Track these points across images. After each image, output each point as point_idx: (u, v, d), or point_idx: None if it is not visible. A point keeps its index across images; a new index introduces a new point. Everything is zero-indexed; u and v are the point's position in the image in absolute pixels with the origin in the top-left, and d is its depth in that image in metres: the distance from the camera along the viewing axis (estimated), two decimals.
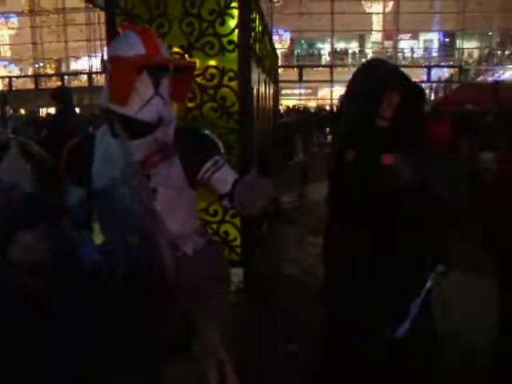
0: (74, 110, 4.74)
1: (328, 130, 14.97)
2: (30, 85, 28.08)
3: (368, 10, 27.13)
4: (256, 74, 4.28)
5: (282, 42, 26.88)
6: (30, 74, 29.21)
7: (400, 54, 27.09)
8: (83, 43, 27.59)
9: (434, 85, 25.40)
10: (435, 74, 26.31)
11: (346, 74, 28.08)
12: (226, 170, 1.72)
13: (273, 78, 6.95)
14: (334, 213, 2.12)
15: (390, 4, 26.70)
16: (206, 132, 1.80)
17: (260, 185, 1.55)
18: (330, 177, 2.14)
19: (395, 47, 26.83)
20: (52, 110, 19.51)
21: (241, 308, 3.87)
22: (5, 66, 30.04)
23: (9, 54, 30.02)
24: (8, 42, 29.65)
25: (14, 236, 1.21)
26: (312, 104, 27.24)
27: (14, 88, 27.54)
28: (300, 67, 26.40)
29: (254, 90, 4.16)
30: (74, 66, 29.66)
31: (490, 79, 24.89)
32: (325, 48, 27.90)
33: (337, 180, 2.06)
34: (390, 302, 1.91)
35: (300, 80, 26.18)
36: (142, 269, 1.51)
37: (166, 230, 1.57)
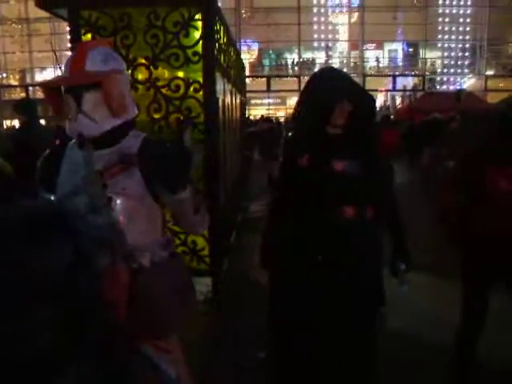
0: (39, 122, 4.68)
1: None
2: None
3: (334, 21, 27.65)
4: (221, 85, 4.32)
5: (250, 52, 27.11)
6: None
7: (366, 64, 27.69)
8: (48, 54, 27.12)
9: (406, 93, 26.06)
10: (400, 82, 26.99)
11: None
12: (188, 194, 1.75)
13: (239, 89, 7.01)
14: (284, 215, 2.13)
15: (355, 15, 27.30)
16: (174, 152, 1.77)
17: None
18: (282, 180, 2.15)
19: (361, 57, 27.40)
20: (16, 123, 19.10)
21: (209, 317, 3.88)
22: None
23: None
24: None
25: None
26: (281, 113, 27.52)
27: None
28: (268, 77, 26.64)
29: (220, 101, 4.20)
30: (39, 76, 29.09)
31: (452, 88, 25.72)
32: (292, 58, 28.26)
33: (290, 184, 2.07)
34: (351, 299, 1.95)
35: (268, 90, 26.41)
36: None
37: (123, 238, 1.60)
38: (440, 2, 27.03)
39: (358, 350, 2.01)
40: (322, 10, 27.47)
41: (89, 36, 3.68)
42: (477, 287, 2.56)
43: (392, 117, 19.59)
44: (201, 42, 3.71)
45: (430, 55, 27.96)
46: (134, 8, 3.69)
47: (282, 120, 20.48)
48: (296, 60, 27.64)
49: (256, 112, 24.98)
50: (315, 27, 27.59)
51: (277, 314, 2.13)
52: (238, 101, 6.55)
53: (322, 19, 27.60)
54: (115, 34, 3.68)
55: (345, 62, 26.98)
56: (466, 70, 27.67)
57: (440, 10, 27.18)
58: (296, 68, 27.66)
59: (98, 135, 1.65)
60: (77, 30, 3.70)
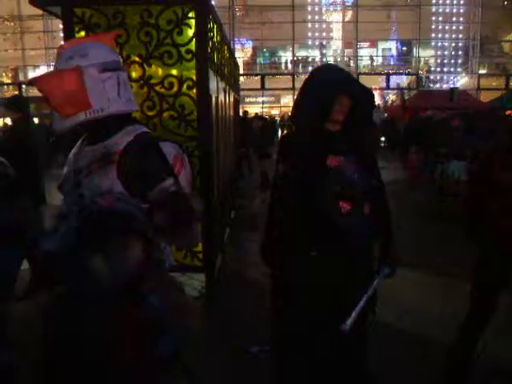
0: (32, 120, 4.68)
1: None
2: None
3: (328, 20, 27.70)
4: (214, 83, 4.35)
5: (244, 50, 27.11)
6: None
7: (360, 62, 27.76)
8: (41, 51, 26.98)
9: (399, 91, 26.17)
10: (394, 81, 27.10)
11: None
12: None
13: (233, 87, 7.03)
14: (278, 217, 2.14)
15: (349, 13, 27.36)
16: (159, 153, 1.70)
17: None
18: (278, 178, 2.16)
19: (355, 55, 27.46)
20: (7, 121, 18.98)
21: (203, 312, 3.92)
22: None
23: None
24: None
25: None
26: (275, 112, 27.55)
27: None
28: (262, 75, 26.66)
29: (213, 98, 4.23)
30: (32, 74, 28.94)
31: (445, 86, 25.85)
32: (286, 56, 28.29)
33: (285, 182, 2.09)
34: (336, 301, 1.95)
35: (262, 88, 26.42)
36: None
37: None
38: (433, 0, 27.16)
39: (346, 349, 2.02)
40: (316, 9, 27.51)
41: (82, 33, 3.70)
42: (491, 284, 2.61)
43: (386, 115, 19.71)
44: (194, 39, 3.74)
45: (424, 54, 28.08)
46: (128, 6, 3.71)
47: (276, 118, 20.56)
48: (290, 58, 27.67)
49: (250, 110, 24.99)
50: (309, 25, 27.62)
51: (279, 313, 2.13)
52: (231, 99, 6.57)
53: (316, 17, 27.64)
54: (109, 31, 3.70)
55: (339, 60, 27.03)
56: (459, 69, 27.82)
57: (433, 9, 27.30)
58: (290, 66, 27.69)
59: (65, 130, 1.72)
60: (70, 27, 3.72)
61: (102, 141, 1.69)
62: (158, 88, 3.80)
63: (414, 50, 27.79)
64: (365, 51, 28.36)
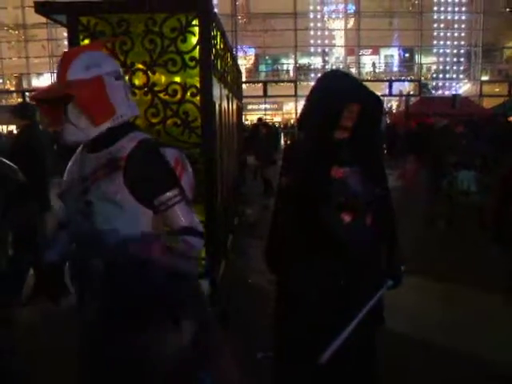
0: (38, 126, 4.70)
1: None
2: None
3: (330, 27, 27.83)
4: (218, 90, 4.37)
5: (246, 58, 27.25)
6: None
7: (362, 69, 27.86)
8: (45, 59, 27.18)
9: (402, 98, 26.22)
10: (396, 88, 27.18)
11: (310, 88, 28.49)
12: (175, 211, 1.69)
13: (236, 94, 7.07)
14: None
15: (351, 21, 27.50)
16: (162, 157, 1.71)
17: None
18: (281, 186, 2.15)
19: (357, 62, 27.57)
20: (13, 128, 19.08)
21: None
22: None
23: None
24: None
25: None
26: (278, 119, 27.64)
27: None
28: (264, 83, 26.76)
29: (217, 106, 4.25)
30: (36, 82, 29.11)
31: (447, 93, 25.90)
32: (289, 64, 28.41)
33: (285, 195, 2.09)
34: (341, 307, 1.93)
35: (265, 95, 26.53)
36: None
37: (101, 242, 1.65)
38: (435, 8, 27.27)
39: (357, 360, 2.00)
40: (319, 16, 27.68)
41: (87, 42, 3.73)
42: None
43: (388, 121, 19.73)
44: (198, 47, 3.76)
45: (426, 60, 28.18)
46: (132, 14, 3.74)
47: (277, 125, 20.59)
48: (292, 65, 27.78)
49: (252, 117, 25.06)
50: (311, 33, 27.78)
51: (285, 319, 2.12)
52: (234, 106, 6.60)
53: (319, 25, 27.80)
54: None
55: (341, 67, 27.13)
56: (461, 76, 27.88)
57: (435, 16, 27.43)
58: (292, 73, 27.80)
59: (86, 140, 1.71)
60: (75, 35, 3.75)
61: (106, 147, 1.70)
62: (161, 95, 3.82)
63: (416, 56, 27.89)
64: (367, 58, 28.49)
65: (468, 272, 4.60)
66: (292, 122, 25.66)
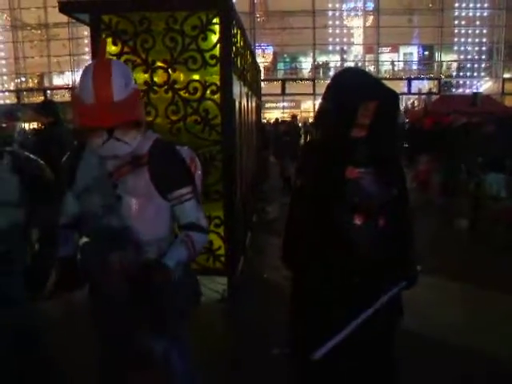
0: (62, 123, 4.79)
1: None
2: (12, 100, 27.90)
3: (349, 25, 27.64)
4: (238, 87, 4.40)
5: (264, 56, 27.22)
6: (11, 88, 29.04)
7: (381, 67, 27.61)
8: (66, 58, 27.56)
9: (421, 97, 25.91)
10: (415, 86, 26.86)
11: None
12: (185, 207, 1.82)
13: (255, 92, 7.09)
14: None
15: (370, 18, 27.26)
16: (179, 155, 1.86)
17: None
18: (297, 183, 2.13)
19: (376, 60, 27.33)
20: (35, 125, 19.40)
21: (225, 315, 3.95)
22: None
23: None
24: None
25: None
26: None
27: None
28: (283, 81, 26.71)
29: (236, 103, 4.27)
30: (57, 80, 29.54)
31: (468, 91, 25.51)
32: (307, 62, 28.30)
33: (300, 194, 2.07)
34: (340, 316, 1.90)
35: (283, 93, 26.47)
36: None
37: (132, 234, 1.75)
38: (456, 4, 26.86)
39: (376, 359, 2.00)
40: (337, 14, 27.49)
41: (110, 40, 3.78)
42: None
43: (406, 120, 19.53)
44: (218, 45, 3.79)
45: (446, 58, 27.77)
46: (154, 12, 3.78)
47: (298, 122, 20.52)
48: (311, 63, 27.68)
49: (271, 115, 25.04)
50: (330, 31, 27.61)
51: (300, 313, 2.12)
52: (253, 104, 6.62)
53: (337, 23, 27.61)
54: (135, 38, 3.79)
55: (360, 65, 26.90)
56: (483, 73, 27.43)
57: (456, 13, 27.01)
58: (310, 71, 27.69)
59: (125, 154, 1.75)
60: (98, 34, 3.81)
61: None
62: (182, 93, 3.86)
63: (436, 54, 27.51)
64: (386, 56, 28.20)
65: (486, 273, 4.56)
66: (310, 120, 25.58)
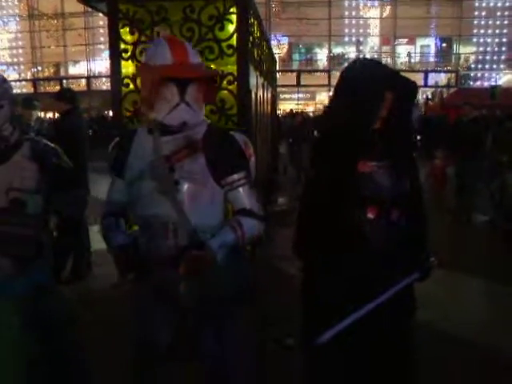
0: (80, 111, 4.83)
1: None
2: (29, 89, 28.19)
3: (365, 16, 27.34)
4: (254, 78, 4.38)
5: (280, 46, 27.08)
6: (28, 78, 29.33)
7: (397, 59, 27.30)
8: (82, 47, 27.74)
9: (437, 90, 25.56)
10: (432, 79, 26.52)
11: None
12: (238, 192, 1.79)
13: (271, 83, 7.05)
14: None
15: (387, 9, 26.93)
16: (235, 139, 1.84)
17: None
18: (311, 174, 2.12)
19: (392, 52, 27.03)
20: (50, 114, 19.60)
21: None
22: (3, 71, 30.12)
23: (6, 58, 30.10)
24: (6, 46, 29.76)
25: None
26: (310, 108, 27.44)
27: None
28: (298, 72, 26.57)
29: (253, 94, 4.26)
30: (73, 70, 29.76)
31: (486, 84, 25.12)
32: (322, 53, 28.09)
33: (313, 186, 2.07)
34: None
35: (298, 84, 26.34)
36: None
37: (187, 220, 1.72)
38: None
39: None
40: (354, 4, 27.22)
41: (126, 29, 3.79)
42: None
43: (422, 113, 19.28)
44: (235, 35, 3.77)
45: (464, 50, 27.35)
46: (171, 2, 3.77)
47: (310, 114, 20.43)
48: (326, 55, 27.47)
49: (285, 106, 24.96)
50: (346, 22, 27.35)
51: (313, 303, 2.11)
52: (269, 94, 6.60)
53: (353, 13, 27.34)
54: (152, 27, 3.78)
55: (376, 57, 26.65)
56: (502, 66, 26.95)
57: (476, 4, 26.53)
58: (326, 63, 27.49)
59: (194, 125, 1.75)
60: (115, 23, 3.81)
61: (180, 131, 1.74)
62: None
63: (454, 46, 27.10)
64: (402, 48, 27.86)
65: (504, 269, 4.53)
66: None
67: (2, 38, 29.51)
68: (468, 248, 5.42)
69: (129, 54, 3.73)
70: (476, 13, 26.65)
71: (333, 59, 27.38)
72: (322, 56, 28.21)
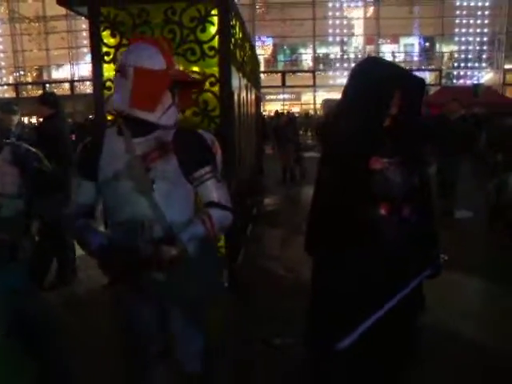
0: (64, 116, 4.78)
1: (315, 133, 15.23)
2: (11, 94, 27.86)
3: (349, 16, 27.50)
4: (237, 79, 4.38)
5: (264, 48, 27.12)
6: (10, 82, 28.98)
7: None
8: (65, 51, 27.48)
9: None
10: None
11: (329, 78, 28.51)
12: (206, 186, 1.84)
13: (255, 84, 7.07)
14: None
15: (371, 9, 27.13)
16: (203, 137, 1.90)
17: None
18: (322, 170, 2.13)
19: (376, 51, 27.22)
20: (33, 119, 19.38)
21: (226, 306, 3.96)
22: None
23: None
24: None
25: None
26: (296, 109, 27.52)
27: None
28: (283, 73, 26.63)
29: (235, 95, 4.26)
30: (56, 74, 29.47)
31: (469, 82, 25.41)
32: (307, 53, 28.19)
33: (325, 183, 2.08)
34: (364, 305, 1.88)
35: (283, 85, 26.40)
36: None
37: (164, 217, 1.77)
38: None
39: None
40: (337, 5, 27.36)
41: (107, 32, 3.77)
42: None
43: None
44: (217, 37, 3.77)
45: (447, 49, 27.66)
46: (152, 4, 3.77)
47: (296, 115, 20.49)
48: (311, 55, 27.57)
49: (271, 107, 25.00)
50: (330, 22, 27.48)
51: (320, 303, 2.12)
52: (253, 96, 6.61)
53: (337, 14, 27.48)
54: (133, 30, 3.77)
55: (360, 56, 26.81)
56: (484, 64, 27.30)
57: (457, 3, 26.85)
58: (311, 63, 27.59)
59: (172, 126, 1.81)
60: (96, 26, 3.79)
61: (149, 132, 1.79)
62: None
63: (437, 45, 27.39)
64: (386, 47, 28.08)
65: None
66: (311, 112, 25.54)
67: None
68: (456, 244, 5.43)
69: (111, 57, 3.73)
70: (457, 12, 26.97)
71: (317, 59, 27.49)
72: (306, 56, 28.31)
